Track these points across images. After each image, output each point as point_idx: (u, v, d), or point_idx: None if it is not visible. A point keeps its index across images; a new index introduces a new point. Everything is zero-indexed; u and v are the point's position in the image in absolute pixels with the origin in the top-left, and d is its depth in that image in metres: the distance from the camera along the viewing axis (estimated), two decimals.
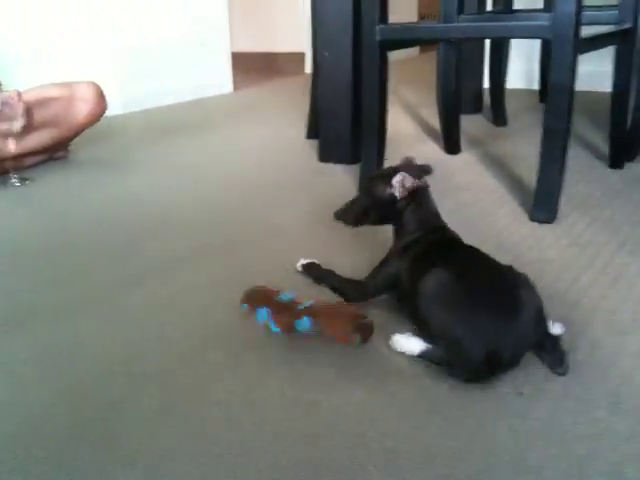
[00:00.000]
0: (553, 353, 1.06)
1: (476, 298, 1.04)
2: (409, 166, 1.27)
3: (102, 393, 1.04)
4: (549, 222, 1.70)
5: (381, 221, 1.29)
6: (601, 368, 1.07)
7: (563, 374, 1.04)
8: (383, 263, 1.25)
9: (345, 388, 1.04)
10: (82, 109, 2.34)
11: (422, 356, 1.08)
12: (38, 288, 1.42)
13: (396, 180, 1.21)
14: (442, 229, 1.27)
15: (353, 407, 0.99)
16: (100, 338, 1.20)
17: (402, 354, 1.10)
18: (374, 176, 1.31)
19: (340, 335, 1.12)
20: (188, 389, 1.04)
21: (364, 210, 1.27)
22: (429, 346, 1.08)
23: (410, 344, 1.10)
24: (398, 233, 1.26)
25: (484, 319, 1.01)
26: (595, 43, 1.90)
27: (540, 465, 0.86)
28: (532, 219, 1.72)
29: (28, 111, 2.17)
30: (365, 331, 1.13)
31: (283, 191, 2.05)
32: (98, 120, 2.42)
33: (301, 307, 1.16)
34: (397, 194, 1.22)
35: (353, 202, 1.29)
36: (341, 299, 1.27)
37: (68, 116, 2.33)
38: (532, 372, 1.05)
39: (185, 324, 1.24)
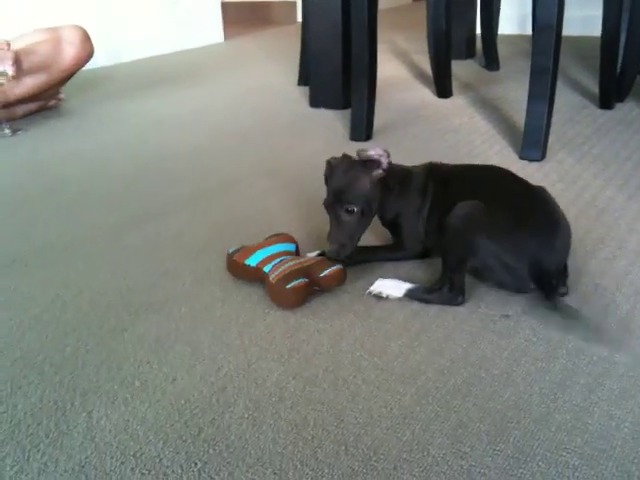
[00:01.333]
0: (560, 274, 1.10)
1: (513, 218, 1.06)
2: (350, 159, 1.18)
3: (104, 323, 1.07)
4: (538, 160, 1.72)
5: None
6: (586, 292, 1.11)
7: (565, 294, 1.08)
8: (406, 221, 1.20)
9: (333, 315, 1.08)
10: (69, 52, 2.33)
11: (410, 294, 1.10)
12: (35, 230, 1.44)
13: (376, 154, 1.13)
14: (432, 165, 1.26)
15: (343, 330, 1.03)
16: (101, 274, 1.23)
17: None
18: (340, 187, 1.13)
19: (274, 297, 1.11)
20: (188, 318, 1.08)
21: (357, 220, 1.13)
22: (415, 285, 1.10)
23: (395, 284, 1.11)
24: (389, 200, 1.19)
25: (527, 236, 1.05)
26: None
27: (527, 378, 0.90)
28: (521, 157, 1.74)
29: (17, 59, 2.16)
30: (287, 296, 1.09)
31: (275, 136, 2.06)
32: (86, 63, 2.41)
33: (265, 270, 1.14)
34: (384, 166, 1.14)
35: (337, 225, 1.13)
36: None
37: (56, 60, 2.32)
38: (517, 297, 1.09)
39: (186, 261, 1.27)
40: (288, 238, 1.22)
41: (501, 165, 1.69)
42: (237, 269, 1.18)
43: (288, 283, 1.08)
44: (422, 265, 1.21)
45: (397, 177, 1.18)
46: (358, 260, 1.20)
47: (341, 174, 1.14)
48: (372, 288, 1.12)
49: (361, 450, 0.78)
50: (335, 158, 1.21)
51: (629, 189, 1.52)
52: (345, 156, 1.19)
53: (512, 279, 1.07)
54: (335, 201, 1.13)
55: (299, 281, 1.09)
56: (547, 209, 1.11)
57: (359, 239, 1.16)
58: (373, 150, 1.14)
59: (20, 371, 0.96)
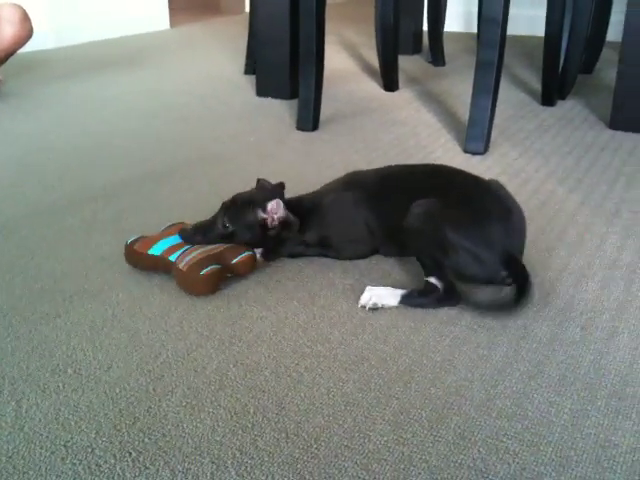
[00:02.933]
0: None
1: (472, 210, 1.06)
2: (265, 187, 1.19)
3: (36, 309, 1.03)
4: (481, 153, 1.74)
5: (249, 245, 1.15)
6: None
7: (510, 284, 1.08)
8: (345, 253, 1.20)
9: (277, 302, 1.06)
10: (7, 31, 2.24)
11: (405, 300, 1.04)
12: None
13: (270, 208, 1.12)
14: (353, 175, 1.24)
15: (287, 318, 1.01)
16: (35, 257, 1.18)
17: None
18: (240, 203, 1.15)
19: (186, 284, 1.08)
20: (125, 305, 1.04)
21: (223, 235, 1.13)
22: (406, 291, 1.05)
23: (389, 292, 1.05)
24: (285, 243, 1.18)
25: (491, 224, 1.05)
26: None
27: (468, 364, 0.90)
28: (465, 150, 1.76)
29: None
30: (199, 282, 1.07)
31: (221, 124, 2.02)
32: (24, 43, 2.32)
33: (171, 259, 1.10)
34: (269, 224, 1.13)
35: (210, 225, 1.14)
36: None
37: None
38: (461, 286, 1.09)
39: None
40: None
41: (445, 158, 1.71)
42: (138, 258, 1.14)
43: (202, 270, 1.05)
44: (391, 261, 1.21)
45: (302, 215, 1.16)
46: (277, 254, 1.18)
47: (249, 195, 1.17)
48: (365, 301, 1.04)
49: (302, 438, 0.77)
50: (266, 181, 1.22)
51: (570, 183, 1.55)
52: (276, 186, 1.19)
53: (483, 270, 1.04)
54: (226, 208, 1.14)
55: (212, 267, 1.06)
56: (497, 197, 1.12)
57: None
58: (273, 204, 1.12)
59: None
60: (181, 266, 1.07)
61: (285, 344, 0.95)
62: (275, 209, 1.12)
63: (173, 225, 1.19)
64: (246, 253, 1.11)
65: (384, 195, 1.16)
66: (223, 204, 1.15)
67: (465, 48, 3.26)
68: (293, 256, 1.20)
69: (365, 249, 1.20)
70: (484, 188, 1.13)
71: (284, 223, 1.14)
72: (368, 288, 1.06)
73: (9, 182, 1.54)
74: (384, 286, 1.08)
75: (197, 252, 1.09)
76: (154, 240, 1.14)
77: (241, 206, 1.14)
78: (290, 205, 1.15)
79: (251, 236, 1.14)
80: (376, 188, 1.17)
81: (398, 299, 1.04)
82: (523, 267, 1.05)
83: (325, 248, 1.19)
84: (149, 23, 3.79)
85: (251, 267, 1.13)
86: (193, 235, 1.12)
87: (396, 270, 1.16)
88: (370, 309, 1.03)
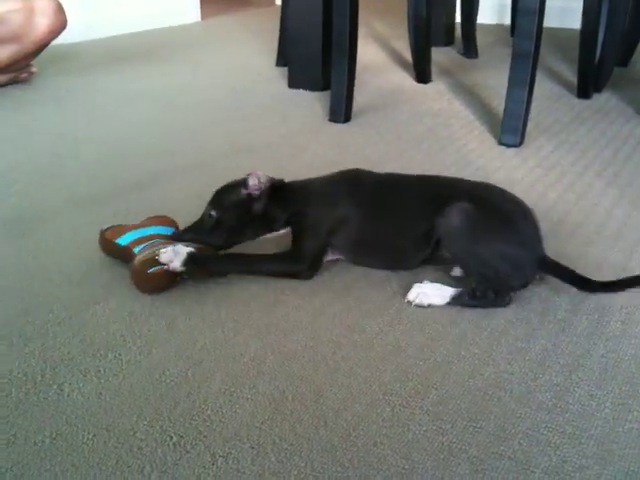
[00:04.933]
0: None
1: (503, 218, 1.04)
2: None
3: (76, 296, 1.04)
4: (516, 145, 1.72)
5: (239, 232, 1.13)
6: None
7: None
8: (311, 233, 1.10)
9: (311, 292, 1.06)
10: (41, 23, 2.27)
11: (455, 302, 1.01)
12: (5, 203, 1.39)
13: (252, 179, 1.10)
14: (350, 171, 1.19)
15: (322, 307, 1.01)
16: (72, 246, 1.20)
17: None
18: (220, 189, 1.14)
19: (134, 279, 1.06)
20: (162, 293, 1.05)
21: (212, 227, 1.10)
22: (458, 289, 1.02)
23: (437, 292, 1.02)
24: (277, 220, 1.13)
25: (522, 231, 1.03)
26: None
27: (507, 357, 0.90)
28: (500, 142, 1.74)
29: None
30: (146, 280, 1.05)
31: (254, 116, 2.03)
32: (58, 35, 2.34)
33: (134, 251, 1.10)
34: (256, 192, 1.10)
35: (198, 221, 1.12)
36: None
37: (27, 31, 2.25)
38: None
39: None
40: (168, 221, 1.18)
41: (480, 150, 1.70)
42: (107, 246, 1.15)
43: (150, 267, 1.03)
44: None
45: (290, 199, 1.13)
46: (222, 270, 1.09)
47: (232, 181, 1.14)
48: (412, 297, 1.02)
49: (341, 425, 0.77)
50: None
51: (607, 176, 1.53)
52: (264, 177, 1.13)
53: (523, 274, 1.03)
54: (210, 200, 1.12)
55: (160, 267, 1.03)
56: (513, 199, 1.09)
57: (209, 242, 1.10)
58: (253, 176, 1.10)
59: None
60: (135, 260, 1.06)
61: (321, 333, 0.95)
62: (256, 181, 1.09)
63: (155, 217, 1.19)
64: None
65: (385, 198, 1.12)
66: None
67: (497, 40, 3.23)
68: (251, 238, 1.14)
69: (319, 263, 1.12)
70: (497, 192, 1.11)
71: (270, 196, 1.10)
72: (416, 285, 1.03)
73: (44, 173, 1.56)
74: (431, 282, 1.04)
75: (156, 249, 1.06)
76: (125, 230, 1.15)
77: (222, 191, 1.13)
78: (279, 186, 1.13)
79: (238, 217, 1.10)
80: (377, 189, 1.13)
81: (447, 300, 1.01)
82: (557, 263, 1.04)
83: (294, 223, 1.12)
84: (180, 15, 3.81)
85: (207, 271, 1.08)
86: (182, 234, 1.10)
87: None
88: (417, 306, 1.01)
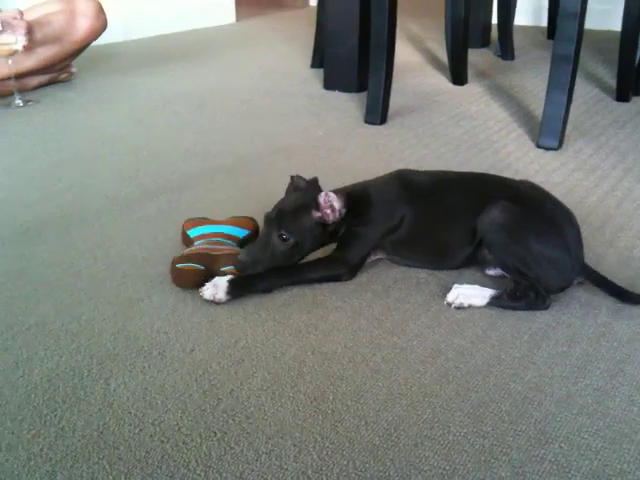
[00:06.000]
0: None
1: (547, 219, 1.04)
2: (300, 186, 1.13)
3: (120, 293, 1.07)
4: (555, 148, 1.71)
5: (312, 251, 1.11)
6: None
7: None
8: (363, 238, 1.10)
9: (351, 293, 1.07)
10: (83, 24, 2.31)
11: (495, 303, 1.01)
12: (50, 201, 1.43)
13: (323, 201, 1.06)
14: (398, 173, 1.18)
15: (362, 309, 1.02)
16: (115, 244, 1.23)
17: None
18: (289, 210, 1.07)
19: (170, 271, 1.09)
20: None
21: (285, 250, 1.06)
22: (497, 290, 1.02)
23: (476, 292, 1.02)
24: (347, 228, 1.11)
25: (565, 233, 1.03)
26: None
27: (548, 361, 0.90)
28: (539, 145, 1.73)
29: (30, 29, 2.14)
30: (175, 275, 1.08)
31: (289, 117, 2.04)
32: (99, 35, 2.39)
33: (195, 244, 1.14)
34: (330, 219, 1.07)
35: (264, 245, 1.05)
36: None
37: (69, 32, 2.30)
38: None
39: None
40: (245, 222, 1.20)
41: (518, 153, 1.69)
42: (183, 236, 1.20)
43: (180, 263, 1.06)
44: None
45: (354, 209, 1.10)
46: (266, 287, 1.06)
47: (294, 199, 1.10)
48: (452, 299, 1.02)
49: (382, 426, 0.78)
50: (300, 178, 1.14)
51: None
52: (311, 182, 1.13)
53: (564, 278, 1.03)
54: (276, 221, 1.06)
55: (191, 265, 1.05)
56: (556, 200, 1.10)
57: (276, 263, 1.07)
58: (325, 198, 1.05)
59: (35, 337, 0.95)
60: (177, 255, 1.10)
61: (361, 334, 0.96)
62: (327, 201, 1.05)
63: (236, 217, 1.22)
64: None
65: (434, 197, 1.12)
66: (267, 217, 1.07)
67: (534, 42, 3.20)
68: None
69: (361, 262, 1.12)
70: (542, 192, 1.11)
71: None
72: (455, 286, 1.03)
73: (86, 173, 1.59)
74: (470, 284, 1.05)
75: (200, 246, 1.11)
76: (202, 223, 1.19)
77: (293, 213, 1.06)
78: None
79: (313, 240, 1.08)
80: (427, 188, 1.13)
81: (487, 300, 1.01)
82: (596, 271, 1.04)
83: (344, 240, 1.11)
84: (215, 17, 3.85)
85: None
86: (251, 263, 1.04)
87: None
88: (456, 308, 1.02)
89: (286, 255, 1.06)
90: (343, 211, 1.07)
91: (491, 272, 1.10)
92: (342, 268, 1.09)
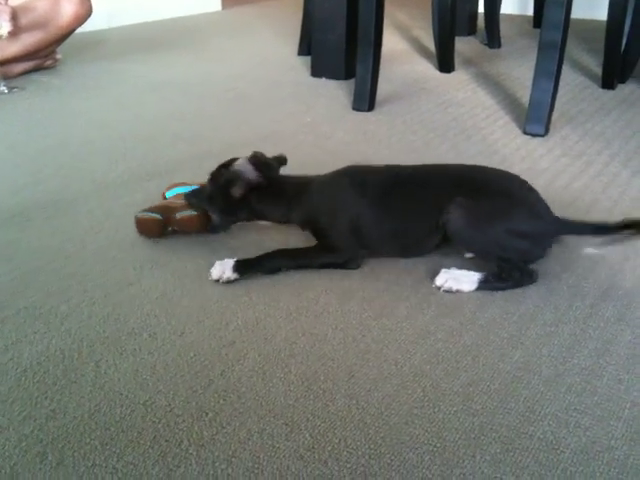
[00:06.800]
0: None
1: (511, 198, 1.06)
2: (258, 158, 1.13)
3: (109, 277, 1.06)
4: (541, 135, 1.72)
5: (228, 212, 1.15)
6: (592, 262, 1.11)
7: None
8: (331, 225, 1.10)
9: (341, 276, 1.07)
10: (67, 10, 2.29)
11: (484, 286, 1.02)
12: (37, 186, 1.42)
13: (237, 166, 1.11)
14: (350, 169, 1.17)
15: (351, 291, 1.03)
16: (104, 229, 1.22)
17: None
18: (222, 164, 1.16)
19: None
20: (193, 275, 1.07)
21: (204, 199, 1.15)
22: (484, 274, 1.03)
23: (465, 277, 1.03)
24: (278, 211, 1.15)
25: (527, 205, 1.06)
26: None
27: (536, 341, 0.91)
28: (525, 132, 1.74)
29: (14, 15, 2.12)
30: (136, 225, 1.18)
31: (277, 104, 2.04)
32: (84, 22, 2.37)
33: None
34: (237, 190, 1.11)
35: (200, 189, 1.17)
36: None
37: (54, 18, 2.28)
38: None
39: None
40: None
41: (505, 140, 1.70)
42: (162, 197, 1.28)
43: (140, 213, 1.17)
44: None
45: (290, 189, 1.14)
46: (272, 267, 1.07)
47: (230, 160, 1.14)
48: (440, 282, 1.03)
49: (373, 405, 0.79)
50: (260, 153, 1.15)
51: (633, 166, 1.52)
52: (273, 158, 1.18)
53: (541, 247, 1.07)
54: (213, 189, 1.14)
55: (150, 214, 1.16)
56: (507, 176, 1.12)
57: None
58: (240, 164, 1.11)
59: (25, 321, 0.95)
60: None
61: (351, 316, 0.96)
62: (242, 169, 1.10)
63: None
64: (191, 212, 1.16)
65: (390, 193, 1.10)
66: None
67: (520, 30, 3.21)
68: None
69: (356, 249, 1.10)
70: (495, 172, 1.13)
71: (252, 188, 1.11)
72: (444, 270, 1.04)
73: (73, 159, 1.58)
74: (457, 267, 1.05)
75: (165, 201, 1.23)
76: (175, 185, 1.29)
77: (217, 169, 1.15)
78: (275, 178, 1.14)
79: (222, 199, 1.12)
80: (381, 185, 1.11)
81: (475, 285, 1.02)
82: (570, 220, 1.11)
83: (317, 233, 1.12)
84: (201, 4, 3.82)
85: (192, 226, 1.16)
86: (190, 197, 1.17)
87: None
88: (445, 291, 1.02)
89: (209, 203, 1.14)
90: (251, 183, 1.10)
91: (470, 254, 1.11)
92: (336, 255, 1.09)
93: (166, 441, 0.73)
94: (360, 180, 1.12)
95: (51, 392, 0.81)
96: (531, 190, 1.09)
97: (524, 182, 1.10)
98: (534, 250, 1.06)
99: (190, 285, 1.04)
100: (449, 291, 1.02)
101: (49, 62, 2.43)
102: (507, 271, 1.02)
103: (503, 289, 1.02)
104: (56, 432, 0.75)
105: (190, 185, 1.26)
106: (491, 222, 1.03)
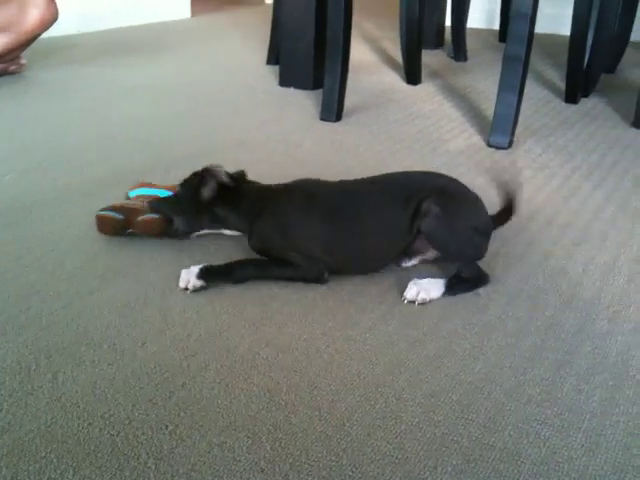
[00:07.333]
0: None
1: (468, 199, 1.11)
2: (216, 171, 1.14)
3: (69, 286, 1.04)
4: (505, 147, 1.74)
5: (192, 218, 1.17)
6: (552, 273, 1.12)
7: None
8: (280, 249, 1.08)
9: (305, 286, 1.07)
10: (33, 14, 2.26)
11: (449, 291, 1.04)
12: (11, 189, 1.39)
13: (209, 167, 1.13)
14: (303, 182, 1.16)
15: (316, 301, 1.02)
16: (66, 237, 1.20)
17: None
18: (195, 172, 1.16)
19: None
20: (157, 284, 1.06)
21: (176, 202, 1.16)
22: (446, 279, 1.05)
23: (433, 285, 1.04)
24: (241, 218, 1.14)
25: (478, 207, 1.11)
26: None
27: (497, 352, 0.91)
28: (489, 145, 1.76)
29: None
30: (96, 222, 1.19)
31: (245, 113, 2.03)
32: (50, 26, 2.33)
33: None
34: (207, 191, 1.13)
35: (169, 198, 1.20)
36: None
37: (19, 22, 2.24)
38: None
39: None
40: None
41: (469, 152, 1.72)
42: (126, 197, 1.29)
43: (102, 211, 1.18)
44: None
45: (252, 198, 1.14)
46: (241, 277, 1.06)
47: (193, 180, 1.15)
48: (412, 296, 1.02)
49: (335, 416, 0.78)
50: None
51: (594, 179, 1.55)
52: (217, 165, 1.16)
53: (487, 241, 1.11)
54: (181, 191, 1.17)
55: (110, 213, 1.17)
56: (457, 182, 1.14)
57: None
58: (214, 165, 1.14)
59: None
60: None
61: (315, 327, 0.96)
62: (216, 168, 1.13)
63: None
64: (153, 216, 1.16)
65: (342, 207, 1.09)
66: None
67: (486, 44, 3.26)
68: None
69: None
70: (447, 179, 1.15)
71: (219, 190, 1.12)
72: (414, 281, 1.04)
73: (37, 164, 1.56)
74: (423, 277, 1.06)
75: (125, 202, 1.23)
76: (138, 186, 1.30)
77: (190, 175, 1.16)
78: (241, 186, 1.15)
79: (187, 200, 1.14)
80: (333, 199, 1.11)
81: (442, 290, 1.04)
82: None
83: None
84: (170, 11, 3.81)
85: (151, 229, 1.16)
86: (155, 205, 1.17)
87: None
88: (419, 304, 1.02)
89: (175, 209, 1.15)
90: (222, 182, 1.12)
91: (408, 264, 1.12)
92: (300, 269, 1.07)
93: (124, 454, 0.72)
94: (311, 196, 1.11)
95: (7, 404, 0.79)
96: (469, 190, 1.13)
97: (466, 187, 1.14)
98: (486, 247, 1.11)
99: (153, 294, 1.03)
100: (423, 302, 1.02)
101: (13, 67, 2.39)
102: (467, 271, 1.06)
103: (464, 291, 1.05)
104: (11, 445, 0.73)
105: (156, 187, 1.27)
106: (461, 221, 1.07)
